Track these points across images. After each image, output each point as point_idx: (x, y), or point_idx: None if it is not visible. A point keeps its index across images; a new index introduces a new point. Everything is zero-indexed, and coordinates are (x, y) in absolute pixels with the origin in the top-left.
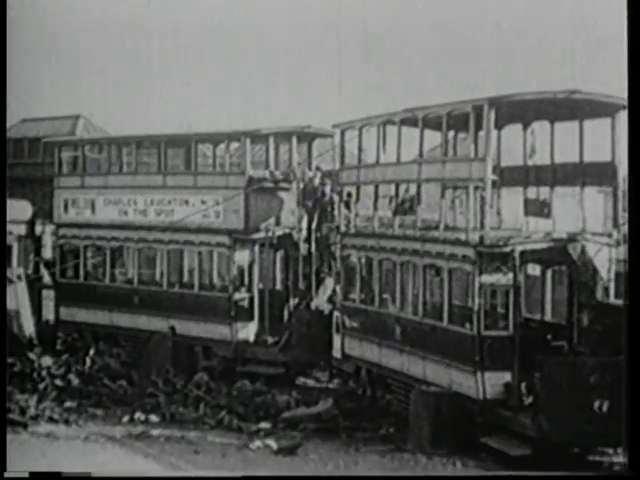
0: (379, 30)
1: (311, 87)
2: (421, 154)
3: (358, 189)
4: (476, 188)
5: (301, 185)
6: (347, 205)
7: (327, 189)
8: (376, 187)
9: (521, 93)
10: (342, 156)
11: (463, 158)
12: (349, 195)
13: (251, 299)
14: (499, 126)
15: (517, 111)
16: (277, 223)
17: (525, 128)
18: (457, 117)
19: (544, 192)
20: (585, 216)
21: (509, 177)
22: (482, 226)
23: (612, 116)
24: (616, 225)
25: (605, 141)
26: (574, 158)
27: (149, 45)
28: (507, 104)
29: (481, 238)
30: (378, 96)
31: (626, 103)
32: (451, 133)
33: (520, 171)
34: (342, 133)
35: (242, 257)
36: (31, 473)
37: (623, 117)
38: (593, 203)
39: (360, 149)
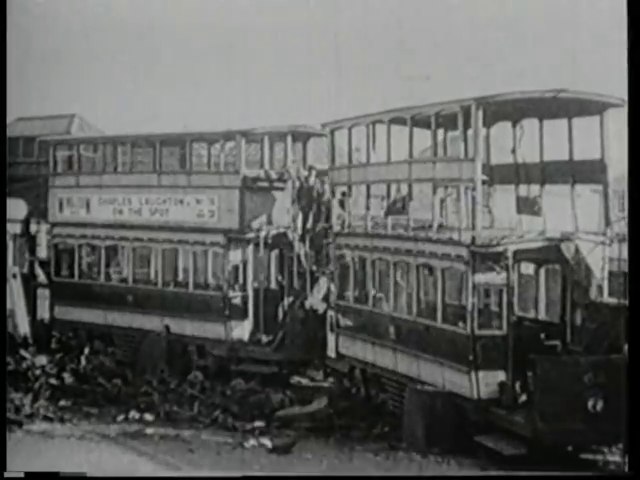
0: (378, 30)
1: (308, 86)
2: (411, 154)
3: (349, 189)
4: (467, 188)
5: (296, 184)
6: (341, 204)
7: (321, 188)
8: (367, 187)
9: (509, 92)
10: (332, 156)
11: (453, 158)
12: (343, 194)
13: (246, 298)
14: (488, 124)
15: (506, 109)
16: (269, 222)
17: (514, 126)
18: (447, 116)
19: (536, 190)
20: (576, 214)
21: (500, 175)
22: (474, 226)
23: (601, 114)
24: (608, 223)
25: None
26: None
27: (147, 45)
28: (495, 103)
29: (473, 238)
30: (377, 96)
31: (614, 101)
32: (442, 132)
33: (511, 169)
34: (332, 132)
35: (237, 256)
36: (27, 473)
37: (612, 115)
38: (588, 202)
39: (350, 148)
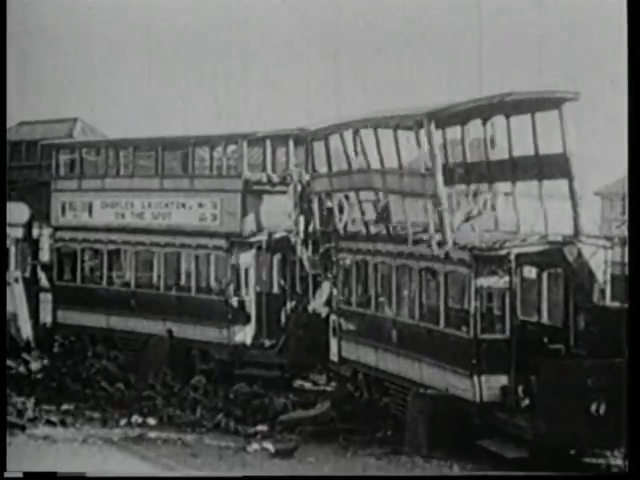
0: (378, 30)
1: (309, 88)
2: (382, 162)
3: (329, 196)
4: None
5: (298, 188)
6: (341, 209)
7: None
8: (357, 193)
9: (457, 103)
10: (313, 163)
11: (415, 172)
12: (347, 198)
13: (248, 302)
14: (462, 122)
15: (473, 109)
16: (258, 228)
17: (484, 124)
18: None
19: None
20: (546, 212)
21: (475, 173)
22: (444, 241)
23: (559, 108)
24: (575, 218)
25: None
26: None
27: (148, 46)
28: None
29: (446, 254)
30: (377, 96)
31: (569, 95)
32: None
33: (484, 167)
34: (311, 141)
35: (239, 260)
36: (25, 473)
37: (569, 109)
38: (590, 206)
39: (329, 156)
